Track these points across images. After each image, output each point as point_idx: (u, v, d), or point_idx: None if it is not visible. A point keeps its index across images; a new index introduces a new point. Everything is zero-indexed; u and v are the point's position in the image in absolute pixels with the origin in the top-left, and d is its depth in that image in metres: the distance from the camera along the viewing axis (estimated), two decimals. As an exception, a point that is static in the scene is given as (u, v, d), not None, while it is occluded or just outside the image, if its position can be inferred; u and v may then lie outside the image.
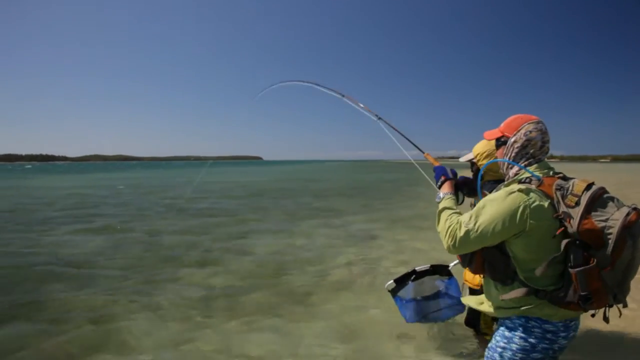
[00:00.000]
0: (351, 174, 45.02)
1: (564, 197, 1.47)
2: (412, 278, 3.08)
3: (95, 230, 9.20)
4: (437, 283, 3.15)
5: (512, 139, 1.68)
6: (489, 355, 1.74)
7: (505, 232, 1.50)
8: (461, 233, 1.56)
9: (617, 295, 1.46)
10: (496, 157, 1.80)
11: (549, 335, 1.56)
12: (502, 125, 1.77)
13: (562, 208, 1.45)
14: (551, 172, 1.61)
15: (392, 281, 3.09)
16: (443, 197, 1.84)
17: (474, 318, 3.35)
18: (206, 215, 11.77)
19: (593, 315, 1.59)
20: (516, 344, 1.61)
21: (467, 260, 1.72)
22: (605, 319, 1.57)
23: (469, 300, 1.93)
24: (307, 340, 3.69)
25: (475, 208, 1.60)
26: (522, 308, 1.57)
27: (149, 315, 4.29)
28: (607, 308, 1.55)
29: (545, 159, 1.69)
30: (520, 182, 1.59)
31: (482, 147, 2.80)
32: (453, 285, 3.13)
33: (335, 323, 4.02)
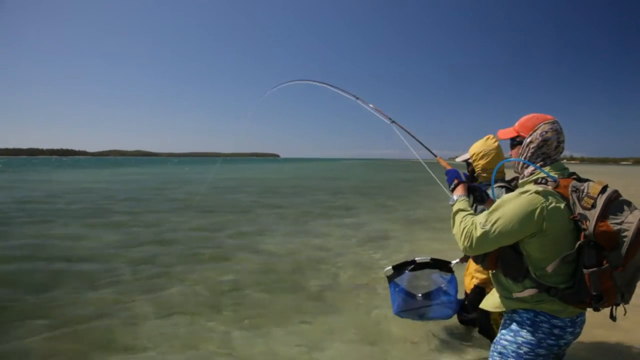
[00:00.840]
0: (367, 173, 44.79)
1: (579, 199, 1.50)
2: (411, 268, 3.05)
3: (108, 225, 9.23)
4: (435, 277, 3.06)
5: (528, 139, 1.69)
6: (493, 349, 1.75)
7: (522, 232, 1.53)
8: (478, 234, 1.58)
9: (625, 294, 1.51)
10: (510, 156, 1.80)
11: (556, 331, 1.59)
12: (516, 124, 1.77)
13: (578, 210, 1.48)
14: (566, 173, 1.63)
15: (390, 267, 3.10)
16: (457, 200, 1.84)
17: (486, 325, 3.12)
18: (220, 211, 11.72)
19: (597, 310, 1.59)
20: (522, 337, 1.63)
21: (481, 257, 1.72)
22: (613, 317, 1.60)
23: (487, 305, 1.84)
24: (320, 342, 3.58)
25: (491, 208, 1.61)
26: (532, 302, 1.60)
27: (157, 313, 4.22)
28: (615, 307, 1.58)
29: (560, 159, 1.70)
30: (536, 182, 1.61)
31: (478, 147, 2.85)
32: (452, 283, 3.04)
33: (350, 326, 3.91)
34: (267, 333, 3.78)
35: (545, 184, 1.57)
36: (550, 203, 1.50)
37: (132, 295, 4.72)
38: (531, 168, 1.67)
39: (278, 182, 26.23)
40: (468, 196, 1.91)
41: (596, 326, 3.44)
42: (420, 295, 3.02)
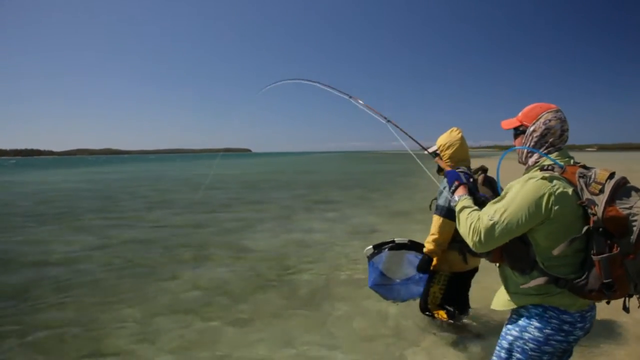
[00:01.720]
0: (342, 165, 44.87)
1: (587, 184, 1.47)
2: (389, 247, 3.23)
3: (85, 228, 8.74)
4: (411, 257, 3.24)
5: (531, 128, 1.68)
6: (499, 345, 1.71)
7: (532, 220, 1.49)
8: (486, 227, 1.54)
9: (638, 284, 1.46)
10: (514, 145, 1.78)
11: (565, 327, 1.55)
12: (520, 114, 1.76)
13: (586, 195, 1.45)
14: (572, 161, 1.61)
15: (370, 246, 3.25)
16: (459, 199, 1.83)
17: (424, 302, 3.27)
18: (199, 209, 11.40)
19: (608, 302, 1.59)
20: (530, 333, 1.59)
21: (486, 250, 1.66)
22: (626, 309, 1.54)
23: (497, 305, 1.75)
24: (312, 341, 3.44)
25: (498, 198, 1.59)
26: (541, 296, 1.56)
27: (141, 316, 4.00)
28: (627, 298, 1.52)
29: (565, 148, 1.68)
30: (541, 169, 1.59)
31: (444, 139, 3.05)
32: None
33: (342, 325, 3.76)
34: (257, 333, 3.63)
35: (552, 170, 1.55)
36: (558, 188, 1.47)
37: (113, 299, 4.46)
38: (535, 156, 1.66)
39: (255, 177, 25.85)
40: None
41: (607, 315, 3.45)
42: (397, 271, 3.25)
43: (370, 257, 3.26)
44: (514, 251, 1.60)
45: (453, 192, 1.93)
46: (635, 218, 1.39)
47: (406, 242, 3.28)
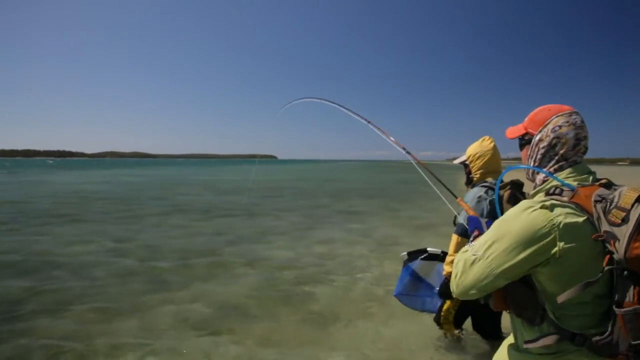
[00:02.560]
0: (365, 174, 44.42)
1: (606, 211, 1.11)
2: (423, 257, 3.17)
3: (93, 231, 8.72)
4: (440, 269, 3.13)
5: (537, 137, 1.35)
6: None
7: (527, 261, 1.16)
8: (467, 265, 1.27)
9: None
10: (521, 160, 1.49)
11: None
12: (526, 119, 1.43)
13: (604, 226, 1.10)
14: (590, 178, 1.26)
15: (405, 253, 3.22)
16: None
17: (438, 316, 3.19)
18: (217, 215, 11.30)
19: None
20: None
21: (463, 298, 1.38)
22: None
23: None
24: None
25: (486, 232, 1.29)
26: (552, 356, 1.20)
27: (143, 332, 3.77)
28: None
29: (583, 161, 1.33)
30: (547, 193, 1.24)
31: (474, 148, 2.83)
32: None
33: (364, 342, 3.47)
34: (273, 355, 3.34)
35: (560, 194, 1.20)
36: (564, 219, 1.13)
37: (115, 309, 4.27)
38: (542, 175, 1.33)
39: (279, 184, 25.74)
40: None
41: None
42: (426, 282, 3.17)
43: (404, 263, 3.21)
44: (518, 296, 1.28)
45: (471, 241, 1.59)
46: None
47: (439, 252, 3.16)
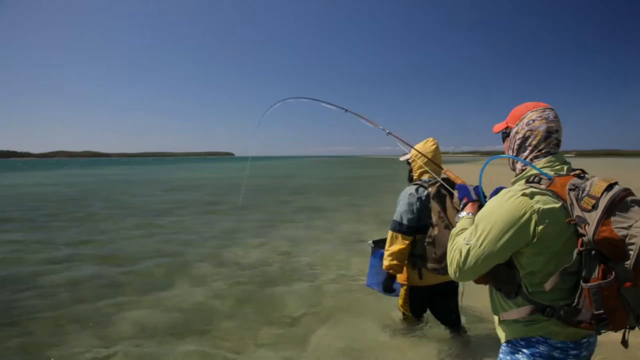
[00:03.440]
0: (326, 170, 44.52)
1: (579, 198, 1.26)
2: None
3: (42, 237, 8.11)
4: None
5: (514, 130, 1.52)
6: None
7: (514, 244, 1.31)
8: (463, 253, 1.39)
9: None
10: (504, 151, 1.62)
11: (556, 353, 1.36)
12: (508, 115, 1.59)
13: (577, 212, 1.25)
14: (566, 168, 1.41)
15: (371, 241, 3.30)
16: (460, 218, 1.63)
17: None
18: (175, 215, 10.88)
19: (599, 334, 1.33)
20: None
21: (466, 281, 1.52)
22: (624, 343, 1.32)
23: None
24: None
25: (476, 219, 1.42)
26: (526, 325, 1.39)
27: (98, 341, 3.53)
28: (627, 330, 1.30)
29: (560, 152, 1.48)
30: (527, 181, 1.41)
31: (417, 148, 3.00)
32: None
33: (335, 350, 3.39)
34: (239, 358, 3.24)
35: (539, 182, 1.36)
36: (542, 204, 1.28)
37: (69, 321, 3.95)
38: (521, 164, 1.50)
39: (237, 181, 25.23)
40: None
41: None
42: None
43: (373, 251, 3.27)
44: (499, 273, 1.43)
45: (462, 209, 1.71)
46: (633, 240, 1.15)
47: None
